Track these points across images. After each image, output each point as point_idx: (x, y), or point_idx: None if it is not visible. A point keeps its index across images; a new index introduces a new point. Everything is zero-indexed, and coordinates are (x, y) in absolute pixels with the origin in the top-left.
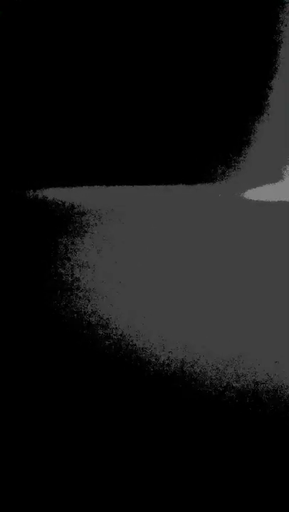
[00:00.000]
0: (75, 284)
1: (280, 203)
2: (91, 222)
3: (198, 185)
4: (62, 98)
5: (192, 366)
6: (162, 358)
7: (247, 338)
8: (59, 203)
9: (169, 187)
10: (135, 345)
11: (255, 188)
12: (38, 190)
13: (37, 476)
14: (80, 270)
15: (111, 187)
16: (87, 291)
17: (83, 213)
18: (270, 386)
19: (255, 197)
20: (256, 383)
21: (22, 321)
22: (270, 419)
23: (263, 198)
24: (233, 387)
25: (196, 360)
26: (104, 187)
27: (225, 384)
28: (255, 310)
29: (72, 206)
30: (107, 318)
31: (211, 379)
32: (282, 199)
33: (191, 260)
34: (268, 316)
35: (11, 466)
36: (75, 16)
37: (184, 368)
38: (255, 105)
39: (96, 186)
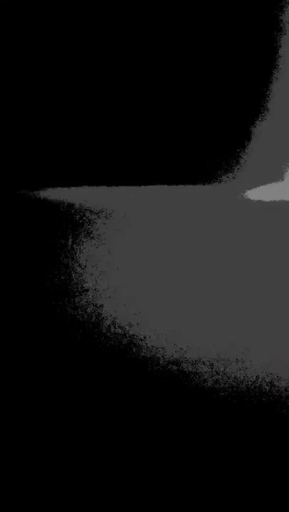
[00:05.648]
0: (75, 284)
1: (280, 202)
2: (91, 222)
3: (199, 185)
4: (62, 98)
5: (193, 366)
6: (163, 358)
7: (247, 338)
8: (59, 202)
9: (169, 187)
10: (136, 345)
11: (255, 188)
12: (38, 190)
13: (37, 475)
14: (80, 270)
15: (111, 187)
16: (87, 291)
17: (83, 213)
18: (269, 385)
19: (256, 197)
20: (255, 382)
21: (22, 321)
22: (269, 418)
23: (263, 198)
24: (232, 387)
25: (196, 360)
26: (104, 187)
27: (225, 384)
28: (256, 310)
29: (72, 206)
30: (108, 318)
31: (211, 379)
32: (283, 199)
33: (191, 260)
34: (268, 316)
35: (11, 465)
36: (75, 14)
37: (185, 369)
38: (256, 105)
39: (96, 186)
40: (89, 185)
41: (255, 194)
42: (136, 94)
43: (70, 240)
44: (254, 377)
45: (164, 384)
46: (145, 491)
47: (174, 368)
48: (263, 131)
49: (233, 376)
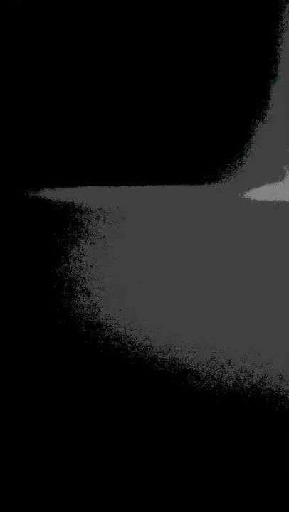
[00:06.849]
0: (75, 284)
1: (280, 203)
2: (91, 222)
3: (199, 185)
4: (61, 98)
5: (194, 367)
6: (164, 358)
7: (248, 338)
8: (59, 203)
9: (169, 187)
10: (137, 345)
11: (255, 188)
12: (38, 190)
13: (37, 475)
14: (79, 270)
15: (111, 187)
16: (87, 291)
17: (83, 213)
18: (271, 386)
19: (255, 197)
20: (257, 383)
21: (22, 321)
22: (270, 419)
23: (263, 198)
24: (234, 387)
25: (196, 360)
26: (104, 187)
27: (227, 384)
28: (256, 310)
29: (72, 206)
30: (108, 319)
31: (213, 379)
32: (282, 199)
33: (191, 260)
34: (269, 316)
35: (11, 466)
36: (75, 14)
37: (186, 369)
38: (256, 105)
39: (96, 186)
40: (89, 185)
41: (255, 194)
42: (136, 94)
43: (70, 240)
44: (255, 376)
45: (163, 384)
46: (145, 490)
47: (174, 367)
48: (263, 131)
49: (234, 376)
